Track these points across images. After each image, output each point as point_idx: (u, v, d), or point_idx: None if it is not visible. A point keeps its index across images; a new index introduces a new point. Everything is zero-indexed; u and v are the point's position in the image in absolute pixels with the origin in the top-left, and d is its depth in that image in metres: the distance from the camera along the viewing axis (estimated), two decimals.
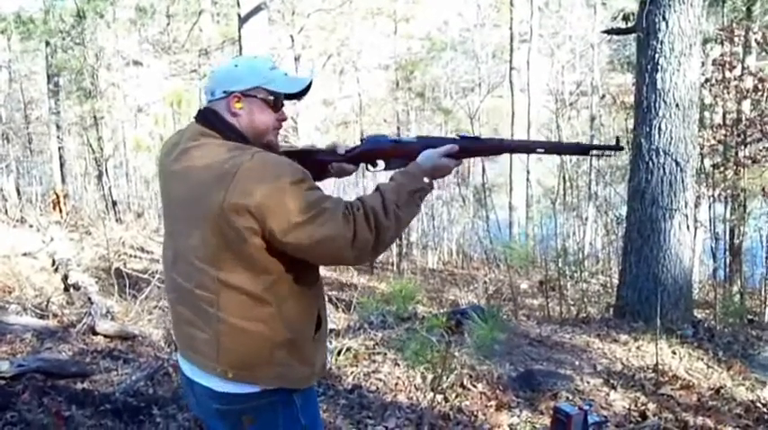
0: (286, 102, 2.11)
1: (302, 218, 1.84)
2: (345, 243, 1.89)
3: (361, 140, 2.34)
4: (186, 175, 1.97)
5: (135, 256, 11.52)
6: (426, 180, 2.09)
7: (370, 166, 2.33)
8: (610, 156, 2.38)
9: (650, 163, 6.33)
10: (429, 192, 2.13)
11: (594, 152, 2.27)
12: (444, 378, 4.30)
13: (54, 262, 9.00)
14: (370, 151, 2.30)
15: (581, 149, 2.34)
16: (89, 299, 7.12)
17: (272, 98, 2.05)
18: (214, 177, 1.88)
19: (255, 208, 1.83)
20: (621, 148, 2.24)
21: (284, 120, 2.11)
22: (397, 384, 4.49)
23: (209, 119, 2.03)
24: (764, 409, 4.47)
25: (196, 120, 2.06)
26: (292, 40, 16.92)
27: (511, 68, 18.91)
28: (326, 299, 2.24)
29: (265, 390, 2.00)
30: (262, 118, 2.04)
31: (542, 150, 2.30)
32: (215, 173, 1.88)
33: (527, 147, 2.44)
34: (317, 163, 2.26)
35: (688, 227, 6.41)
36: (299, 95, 2.12)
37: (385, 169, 2.29)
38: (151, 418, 4.12)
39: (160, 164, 2.13)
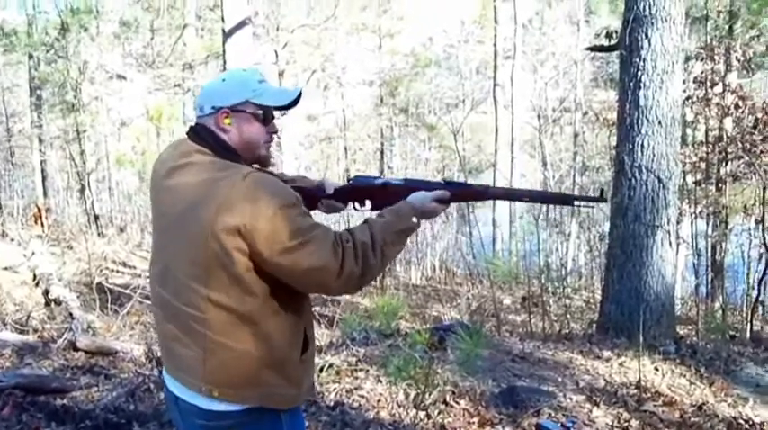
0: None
1: (291, 243, 1.85)
2: (332, 274, 1.90)
3: (348, 180, 2.40)
4: (178, 191, 1.97)
5: (117, 271, 11.43)
6: (415, 220, 2.12)
7: (357, 205, 2.36)
8: (592, 207, 2.47)
9: (633, 179, 6.38)
10: (416, 231, 2.17)
11: (577, 203, 2.34)
12: (427, 394, 4.29)
13: (35, 276, 8.89)
14: (360, 191, 2.35)
15: (565, 199, 2.41)
16: (70, 314, 7.04)
17: (260, 112, 2.03)
18: (206, 195, 1.88)
19: (245, 229, 1.83)
20: (605, 200, 2.33)
21: (275, 132, 2.11)
22: (379, 401, 4.47)
23: (201, 135, 2.02)
24: (747, 426, 4.48)
25: (189, 137, 2.05)
26: (277, 56, 16.96)
27: (495, 85, 19.02)
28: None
29: (251, 408, 1.99)
30: (251, 132, 2.03)
31: (528, 198, 2.39)
32: (207, 191, 1.89)
33: (513, 195, 2.57)
34: (307, 196, 2.26)
35: (670, 243, 6.45)
36: (288, 107, 2.11)
37: (372, 209, 2.32)
38: None
39: (153, 178, 2.12)
